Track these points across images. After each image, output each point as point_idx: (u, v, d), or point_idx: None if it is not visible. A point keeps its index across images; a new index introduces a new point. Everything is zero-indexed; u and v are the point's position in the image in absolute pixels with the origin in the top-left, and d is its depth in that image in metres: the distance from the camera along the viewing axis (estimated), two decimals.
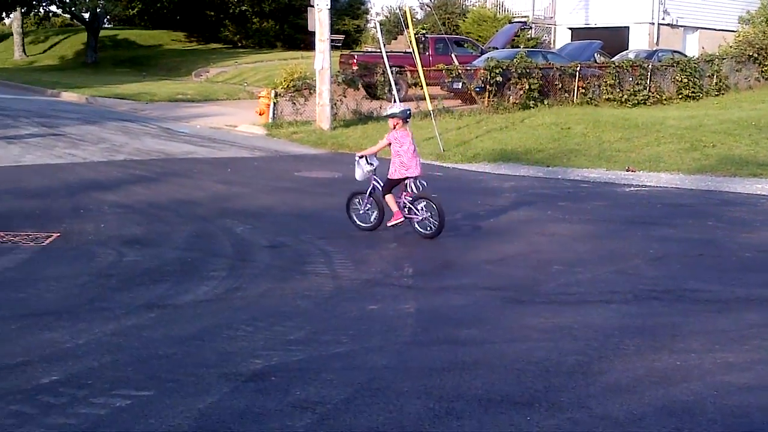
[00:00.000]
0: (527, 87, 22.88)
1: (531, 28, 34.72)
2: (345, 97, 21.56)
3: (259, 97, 22.03)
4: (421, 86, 18.53)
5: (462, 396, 5.02)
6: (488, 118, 21.35)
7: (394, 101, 10.58)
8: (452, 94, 24.64)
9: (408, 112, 9.97)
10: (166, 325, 6.43)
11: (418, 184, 9.84)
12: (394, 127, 9.78)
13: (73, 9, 41.59)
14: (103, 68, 39.30)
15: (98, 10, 40.72)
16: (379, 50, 22.80)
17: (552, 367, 5.53)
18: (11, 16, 45.73)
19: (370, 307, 7.04)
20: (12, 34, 48.28)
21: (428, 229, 9.68)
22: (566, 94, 24.00)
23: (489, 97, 22.83)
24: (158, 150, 16.59)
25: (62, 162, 14.62)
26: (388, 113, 10.01)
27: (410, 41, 19.35)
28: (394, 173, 9.74)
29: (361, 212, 10.08)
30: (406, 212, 9.77)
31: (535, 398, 5.02)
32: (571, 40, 33.72)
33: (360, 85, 23.54)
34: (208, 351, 5.82)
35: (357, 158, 9.97)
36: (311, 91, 20.95)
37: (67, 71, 38.22)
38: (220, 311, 6.86)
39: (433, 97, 20.04)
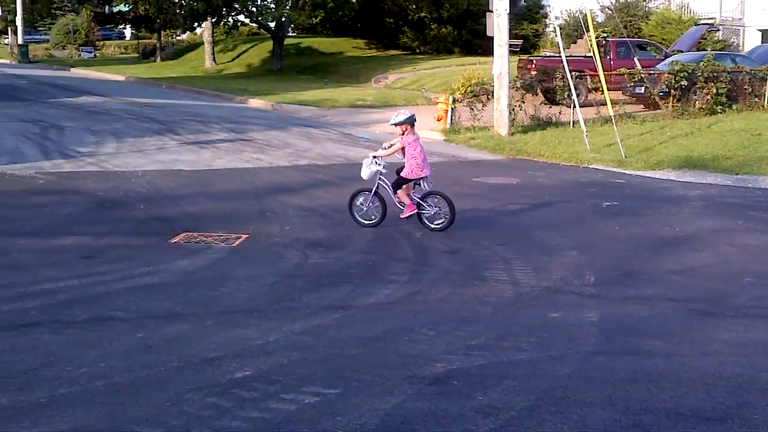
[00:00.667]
0: (714, 91, 22.02)
1: (719, 30, 33.38)
2: (523, 102, 21.40)
3: (437, 102, 22.19)
4: (602, 91, 18.15)
5: (649, 409, 4.91)
6: (672, 123, 20.69)
7: (405, 111, 10.56)
8: (634, 99, 24.03)
9: (413, 118, 10.34)
10: (350, 326, 6.61)
11: (428, 182, 10.42)
12: (403, 133, 10.24)
13: (260, 18, 43.25)
14: (287, 75, 40.64)
15: (283, 20, 42.13)
16: (558, 54, 22.51)
17: (745, 384, 5.33)
18: (203, 26, 48.03)
19: (552, 314, 6.98)
20: (203, 44, 50.68)
21: (440, 222, 10.26)
22: (756, 99, 22.93)
23: (673, 102, 22.11)
24: (339, 155, 17.00)
25: (250, 166, 15.23)
26: (396, 122, 10.27)
27: (591, 45, 18.98)
28: (410, 174, 10.26)
29: (365, 210, 10.53)
30: (418, 208, 10.32)
31: (728, 414, 4.85)
32: (762, 42, 32.16)
33: (538, 90, 23.30)
34: (391, 353, 5.94)
35: (371, 157, 10.40)
36: (489, 96, 20.91)
37: (253, 78, 39.75)
38: (401, 314, 6.98)
39: (614, 102, 19.60)
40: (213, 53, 48.79)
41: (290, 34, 50.78)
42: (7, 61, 54.94)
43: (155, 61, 53.90)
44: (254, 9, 42.12)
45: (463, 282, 8.06)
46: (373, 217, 10.54)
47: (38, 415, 4.70)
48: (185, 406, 4.87)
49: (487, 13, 20.48)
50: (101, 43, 66.82)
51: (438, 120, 21.43)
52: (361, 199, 10.56)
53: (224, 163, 15.42)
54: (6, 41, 67.82)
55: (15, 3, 58.38)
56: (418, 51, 47.19)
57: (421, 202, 10.34)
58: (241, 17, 44.75)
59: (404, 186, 10.34)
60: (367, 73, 38.31)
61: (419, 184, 10.44)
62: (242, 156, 16.31)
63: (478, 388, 5.23)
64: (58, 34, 64.06)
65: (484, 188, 13.67)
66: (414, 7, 46.38)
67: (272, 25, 43.66)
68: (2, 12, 60.83)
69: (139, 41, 63.23)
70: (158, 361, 5.64)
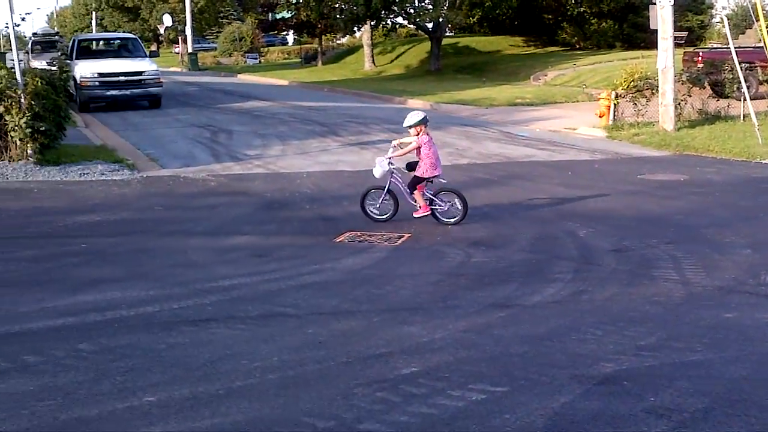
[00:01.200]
0: None
1: None
2: (689, 96, 20.67)
3: (599, 98, 21.74)
4: None
5: None
6: None
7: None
8: None
9: (426, 119, 10.62)
10: (515, 325, 6.58)
11: (440, 179, 10.74)
12: (418, 134, 10.48)
13: (417, 20, 43.59)
14: (445, 75, 40.78)
15: (441, 20, 42.30)
16: (725, 46, 21.63)
17: None
18: (362, 29, 48.83)
19: (725, 315, 6.73)
20: (362, 47, 51.51)
21: (454, 216, 10.60)
22: None
23: None
24: (499, 153, 16.92)
25: None
26: (412, 123, 10.49)
27: (761, 35, 18.17)
28: (424, 173, 10.53)
29: (378, 205, 10.81)
30: (430, 204, 10.62)
31: None
32: None
33: (706, 84, 22.46)
34: (557, 352, 5.88)
35: (385, 158, 10.66)
36: (653, 91, 20.31)
37: (412, 79, 40.10)
38: (567, 313, 6.89)
39: None
40: (372, 55, 49.50)
41: (448, 34, 50.89)
42: (178, 69, 57.48)
43: (316, 65, 55.17)
44: (412, 11, 42.47)
45: (631, 281, 7.88)
46: (386, 212, 10.82)
47: (217, 405, 4.91)
48: (355, 400, 4.99)
49: (651, 6, 19.92)
50: (265, 49, 68.95)
51: (600, 116, 21.00)
52: (374, 197, 10.89)
53: None
54: (177, 50, 71.06)
55: (185, 14, 61.03)
56: (577, 47, 46.38)
57: (433, 198, 10.66)
58: (400, 19, 45.22)
59: (418, 186, 10.63)
60: (526, 71, 37.96)
61: (431, 182, 10.72)
62: (403, 156, 16.45)
63: (648, 389, 5.11)
64: (225, 41, 66.55)
65: (650, 185, 13.29)
66: (573, 2, 45.62)
67: (430, 25, 43.90)
68: (173, 23, 63.68)
69: (301, 46, 64.91)
70: (328, 356, 5.79)
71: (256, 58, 63.20)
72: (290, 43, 77.49)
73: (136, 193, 12.97)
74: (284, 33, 70.98)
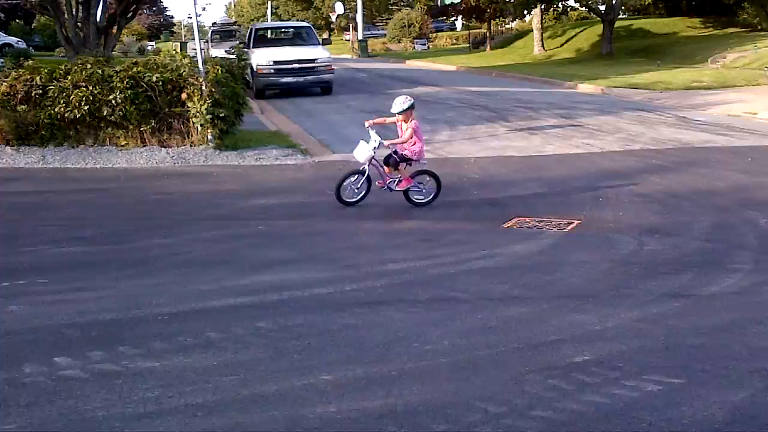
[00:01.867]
0: None
1: None
2: None
3: None
4: None
5: None
6: None
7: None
8: None
9: (415, 104, 10.79)
10: (691, 315, 6.39)
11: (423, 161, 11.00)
12: (406, 120, 10.66)
13: (589, 2, 42.64)
14: (617, 59, 39.72)
15: (614, 2, 41.22)
16: None
17: None
18: (532, 13, 48.20)
19: None
20: (532, 31, 50.88)
21: (429, 194, 10.93)
22: None
23: None
24: (674, 139, 16.38)
25: (580, 152, 15.11)
26: (403, 109, 10.58)
27: None
28: (416, 154, 10.77)
29: (354, 189, 10.86)
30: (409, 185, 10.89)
31: None
32: None
33: None
34: (736, 344, 5.67)
35: (377, 141, 10.54)
36: None
37: (582, 63, 39.29)
38: (747, 305, 6.64)
39: None
40: (542, 40, 48.79)
41: (621, 16, 49.51)
42: (349, 56, 58.50)
43: (485, 50, 54.89)
44: None
45: None
46: (358, 195, 10.90)
47: (390, 386, 5.01)
48: (526, 387, 4.98)
49: None
50: (434, 35, 69.23)
51: None
52: (352, 179, 10.88)
53: (554, 149, 15.42)
54: (347, 37, 72.31)
55: (356, 1, 62.04)
56: (759, 27, 44.10)
57: (410, 179, 10.90)
58: (571, 2, 44.40)
59: (403, 165, 10.82)
60: (703, 53, 36.46)
61: (410, 165, 10.89)
62: (572, 141, 16.21)
63: None
64: (394, 28, 67.23)
65: None
66: None
67: (602, 8, 42.80)
68: (344, 10, 64.88)
69: (470, 31, 64.69)
70: (498, 341, 5.80)
71: (424, 44, 63.53)
72: (458, 29, 77.42)
73: (308, 177, 13.33)
74: (453, 18, 70.87)
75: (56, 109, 14.69)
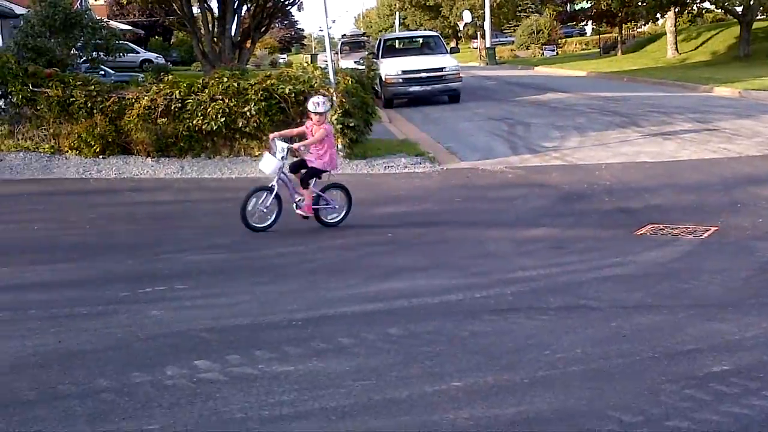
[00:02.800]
0: None
1: None
2: None
3: None
4: None
5: None
6: None
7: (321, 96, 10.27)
8: None
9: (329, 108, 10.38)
10: None
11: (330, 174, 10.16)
12: (321, 123, 9.78)
13: (725, 3, 41.28)
14: (755, 61, 38.28)
15: (751, 2, 39.78)
16: None
17: None
18: (665, 16, 46.98)
19: None
20: (665, 34, 49.60)
21: (338, 215, 10.15)
22: None
23: None
24: None
25: (716, 156, 14.65)
26: (324, 110, 9.79)
27: None
28: (326, 165, 9.87)
29: (262, 211, 9.72)
30: (315, 204, 9.99)
31: None
32: None
33: None
34: None
35: (283, 147, 9.62)
36: None
37: (718, 66, 38.06)
38: None
39: None
40: (675, 43, 47.48)
41: (759, 17, 47.72)
42: (476, 64, 58.46)
43: (615, 55, 53.86)
44: None
45: None
46: (269, 218, 9.81)
47: (522, 394, 4.98)
48: (662, 396, 4.86)
49: None
50: (563, 40, 68.37)
51: None
52: (257, 200, 9.71)
53: (689, 154, 14.99)
54: (475, 45, 72.24)
55: (484, 9, 61.92)
56: None
57: (321, 195, 10.02)
58: (706, 4, 43.05)
59: (312, 180, 9.86)
60: None
61: (320, 177, 10.04)
62: (708, 146, 15.72)
63: None
64: (523, 35, 66.75)
65: None
66: None
67: (739, 9, 41.36)
68: (472, 18, 64.84)
69: (600, 36, 63.67)
70: (632, 350, 5.68)
71: (553, 50, 62.83)
72: (588, 34, 76.27)
73: (436, 185, 13.38)
74: (582, 23, 69.93)
75: (194, 122, 15.22)
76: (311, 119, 9.78)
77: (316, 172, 9.95)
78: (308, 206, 9.89)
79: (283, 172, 9.85)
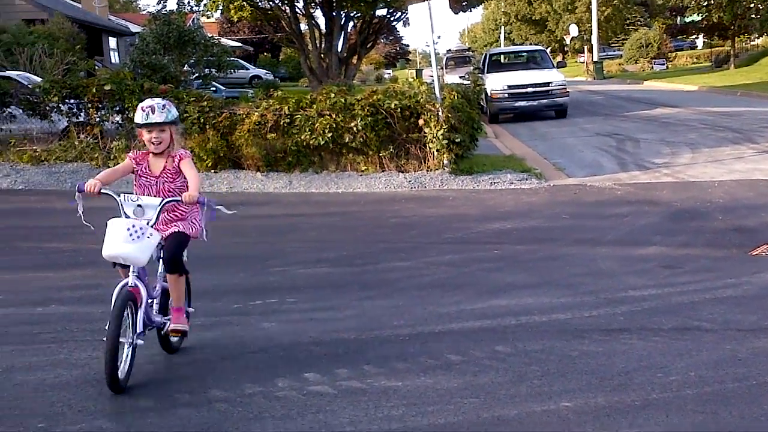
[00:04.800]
0: None
1: None
2: None
3: None
4: None
5: None
6: None
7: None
8: None
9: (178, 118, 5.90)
10: None
11: None
12: (165, 145, 5.82)
13: None
14: None
15: None
16: None
17: None
18: None
19: None
20: None
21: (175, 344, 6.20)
22: None
23: None
24: None
25: None
26: (162, 120, 5.71)
27: None
28: (198, 231, 5.97)
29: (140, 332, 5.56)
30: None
31: None
32: None
33: None
34: None
35: (140, 218, 5.57)
36: None
37: None
38: None
39: None
40: None
41: None
42: (583, 78, 57.75)
43: (728, 69, 52.44)
44: None
45: None
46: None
47: (633, 416, 4.90)
48: None
49: None
50: (673, 54, 66.94)
51: None
52: (131, 313, 5.46)
53: None
54: (581, 59, 71.41)
55: (591, 23, 61.19)
56: None
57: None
58: None
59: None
60: None
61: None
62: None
63: None
64: (631, 48, 65.62)
65: None
66: None
67: None
68: (579, 32, 64.14)
69: (711, 50, 62.11)
70: (749, 374, 5.52)
71: (663, 64, 61.56)
72: (699, 47, 74.51)
73: (543, 202, 13.26)
74: (693, 37, 68.41)
75: (302, 137, 15.46)
76: (144, 141, 5.81)
77: (185, 243, 5.88)
78: (176, 309, 5.97)
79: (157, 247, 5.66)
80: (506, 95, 26.20)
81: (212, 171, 15.76)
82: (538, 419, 4.89)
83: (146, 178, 5.87)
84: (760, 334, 6.47)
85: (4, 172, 15.37)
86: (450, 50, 49.32)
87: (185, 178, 5.82)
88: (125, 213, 5.57)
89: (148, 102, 5.75)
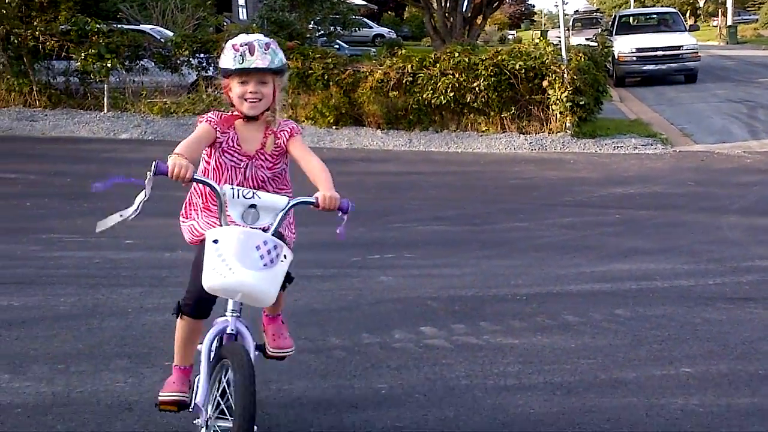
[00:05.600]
0: None
1: None
2: None
3: None
4: None
5: None
6: None
7: None
8: None
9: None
10: None
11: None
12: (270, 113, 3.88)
13: None
14: None
15: None
16: None
17: None
18: None
19: None
20: None
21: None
22: None
23: None
24: None
25: None
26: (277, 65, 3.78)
27: None
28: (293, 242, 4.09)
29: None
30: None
31: None
32: None
33: None
34: None
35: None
36: None
37: None
38: None
39: None
40: None
41: None
42: (715, 43, 55.66)
43: None
44: None
45: None
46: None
47: (757, 385, 4.79)
48: None
49: None
50: None
51: None
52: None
53: None
54: (715, 23, 68.81)
55: None
56: None
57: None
58: None
59: None
60: None
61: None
62: None
63: None
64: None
65: None
66: None
67: None
68: None
69: None
70: None
71: None
72: None
73: (668, 168, 12.95)
74: None
75: (424, 96, 15.45)
76: (232, 98, 3.86)
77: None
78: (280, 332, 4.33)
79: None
80: (634, 58, 25.49)
81: (333, 127, 15.92)
82: (657, 383, 4.82)
83: (232, 155, 3.84)
84: None
85: (135, 123, 15.88)
86: (578, 11, 48.25)
87: (286, 164, 3.99)
88: (226, 216, 3.57)
89: (243, 38, 3.78)
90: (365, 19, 45.01)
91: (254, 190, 3.69)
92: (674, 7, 46.44)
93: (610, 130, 15.78)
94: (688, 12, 75.08)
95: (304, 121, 16.05)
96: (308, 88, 16.20)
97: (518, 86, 15.19)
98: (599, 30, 31.43)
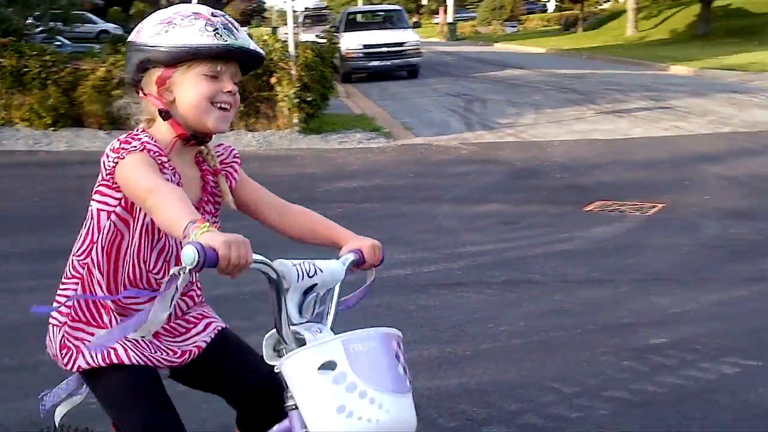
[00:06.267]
0: None
1: None
2: None
3: None
4: None
5: None
6: None
7: None
8: None
9: None
10: None
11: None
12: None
13: None
14: (712, 39, 38.65)
15: None
16: None
17: None
18: None
19: None
20: (626, 11, 49.90)
21: None
22: None
23: None
24: (766, 121, 15.93)
25: (668, 135, 14.83)
26: None
27: None
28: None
29: None
30: None
31: None
32: None
33: None
34: None
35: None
36: None
37: (676, 44, 38.41)
38: None
39: None
40: (635, 20, 47.80)
41: None
42: (436, 39, 58.38)
43: (576, 32, 54.15)
44: None
45: None
46: None
47: (464, 366, 5.08)
48: (601, 368, 4.99)
49: None
50: (524, 17, 68.59)
51: None
52: None
53: (641, 132, 15.16)
54: (436, 20, 72.16)
55: None
56: None
57: None
58: None
59: None
60: None
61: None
62: (660, 124, 15.92)
63: None
64: (485, 10, 66.85)
65: None
66: None
67: None
68: None
69: (561, 13, 63.92)
70: (574, 323, 5.80)
71: (514, 27, 63.06)
72: (550, 10, 76.50)
73: (390, 161, 13.42)
74: (545, 0, 70.14)
75: None
76: (185, 116, 2.51)
77: None
78: None
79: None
80: (361, 54, 26.26)
81: (51, 129, 15.16)
82: None
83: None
84: (586, 286, 6.79)
85: None
86: (307, 8, 48.95)
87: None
88: (288, 315, 2.25)
89: (198, 7, 2.52)
90: (89, 14, 43.16)
91: (315, 262, 2.34)
92: (399, 5, 48.26)
93: (336, 126, 16.13)
94: (414, 10, 78.20)
95: (18, 123, 15.19)
96: (24, 87, 15.33)
97: (246, 83, 15.17)
98: (328, 26, 32.09)
